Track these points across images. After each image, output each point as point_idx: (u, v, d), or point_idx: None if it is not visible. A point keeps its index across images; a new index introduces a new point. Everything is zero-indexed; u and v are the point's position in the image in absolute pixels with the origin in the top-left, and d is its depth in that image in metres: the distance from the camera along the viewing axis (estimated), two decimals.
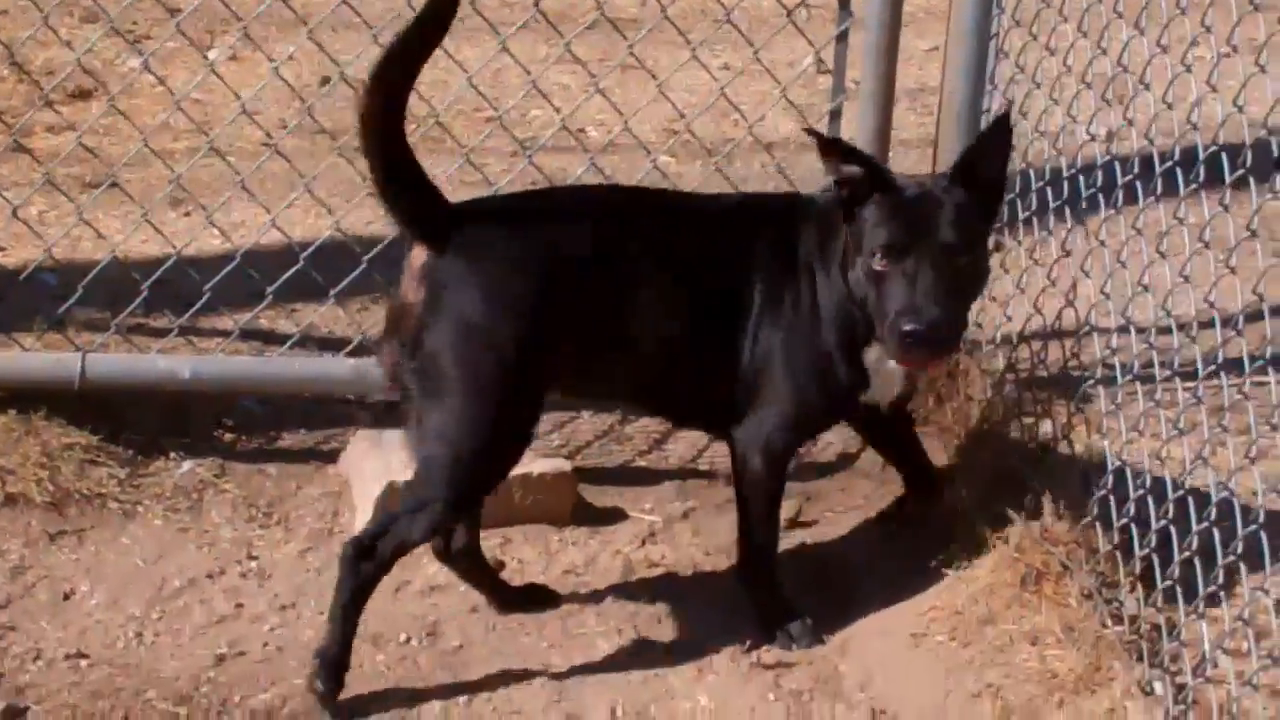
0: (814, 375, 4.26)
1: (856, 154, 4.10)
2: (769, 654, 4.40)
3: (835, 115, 5.20)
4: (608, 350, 4.19)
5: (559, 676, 4.30)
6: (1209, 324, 4.19)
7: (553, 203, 4.39)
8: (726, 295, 4.27)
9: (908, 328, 3.90)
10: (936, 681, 4.22)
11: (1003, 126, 4.07)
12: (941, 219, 3.97)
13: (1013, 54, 5.03)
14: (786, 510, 4.86)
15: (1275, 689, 3.90)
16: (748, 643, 4.40)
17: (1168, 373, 4.26)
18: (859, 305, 4.13)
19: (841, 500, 5.02)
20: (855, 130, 5.10)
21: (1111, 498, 4.28)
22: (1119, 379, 4.47)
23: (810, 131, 4.02)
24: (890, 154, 5.23)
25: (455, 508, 4.10)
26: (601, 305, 4.15)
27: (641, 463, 5.14)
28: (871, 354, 4.24)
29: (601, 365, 4.22)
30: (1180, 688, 3.91)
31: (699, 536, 4.83)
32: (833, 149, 4.08)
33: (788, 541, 4.79)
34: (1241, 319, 4.01)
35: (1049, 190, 4.95)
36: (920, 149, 6.35)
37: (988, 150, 4.06)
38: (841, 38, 5.16)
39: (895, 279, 3.96)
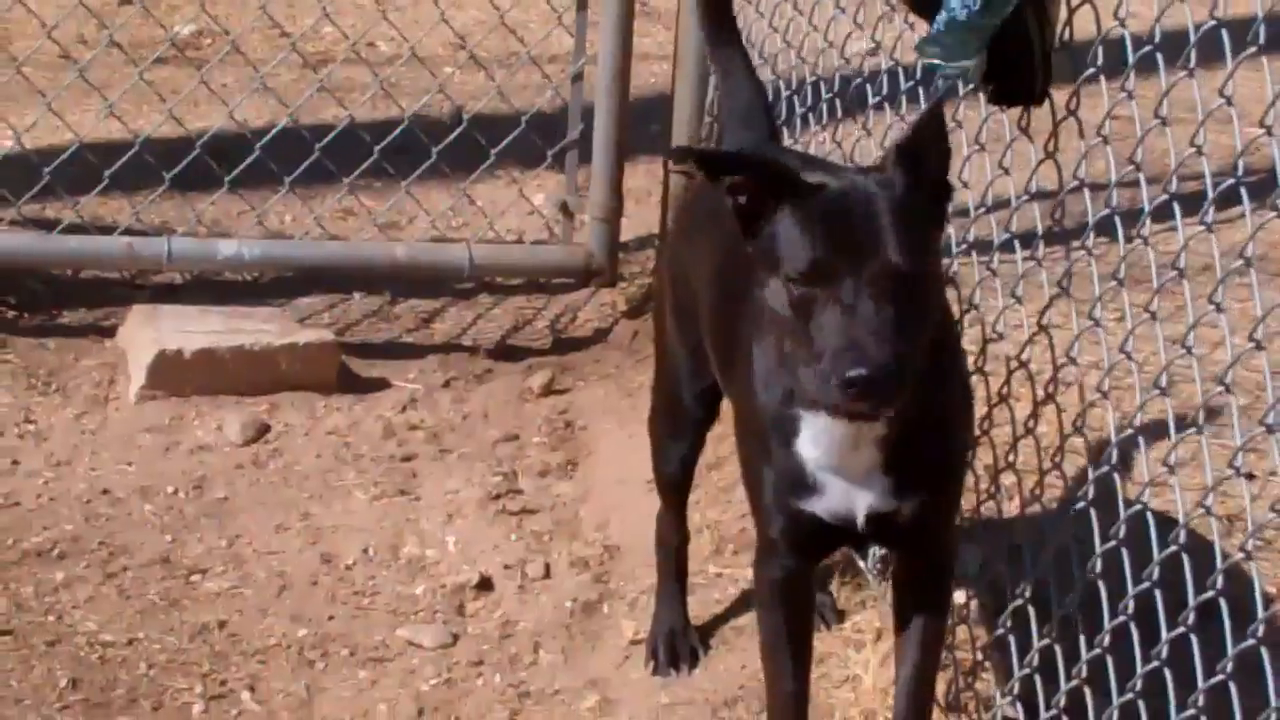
0: (759, 477, 3.30)
1: (740, 160, 3.10)
2: (514, 502, 4.73)
3: (577, 78, 5.58)
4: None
5: (317, 524, 4.62)
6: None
7: None
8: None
9: (852, 373, 2.81)
10: None
11: (937, 115, 3.01)
12: (882, 225, 2.91)
13: None
14: (539, 380, 5.23)
15: None
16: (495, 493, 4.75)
17: None
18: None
19: (595, 370, 5.37)
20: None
21: None
22: None
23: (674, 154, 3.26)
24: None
25: None
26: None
27: (408, 339, 5.46)
28: (806, 429, 3.15)
29: None
30: None
31: (458, 403, 5.15)
32: (703, 161, 3.12)
33: (540, 408, 5.15)
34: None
35: (837, 102, 4.77)
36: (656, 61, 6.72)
37: (929, 138, 2.98)
38: (582, 5, 5.55)
39: (825, 309, 2.87)
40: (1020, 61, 3.25)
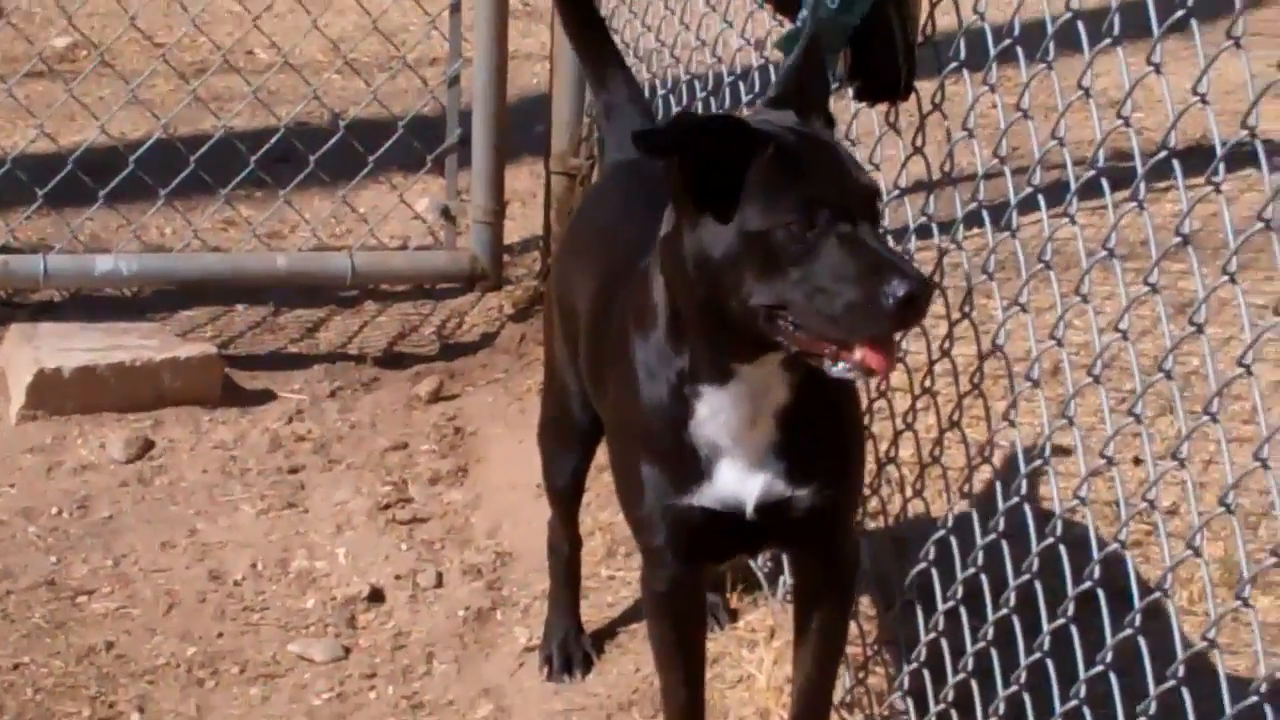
0: (638, 482, 3.23)
1: (700, 124, 2.96)
2: (404, 511, 4.70)
3: (454, 81, 5.58)
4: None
5: (204, 540, 4.58)
6: None
7: None
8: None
9: (905, 289, 2.73)
10: None
11: (815, 47, 3.08)
12: (843, 156, 2.94)
13: None
14: (427, 386, 5.21)
15: None
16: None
17: None
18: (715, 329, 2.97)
19: (483, 374, 5.35)
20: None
21: None
22: None
23: (634, 137, 2.91)
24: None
25: None
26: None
27: (293, 349, 5.42)
28: (702, 409, 3.07)
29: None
30: None
31: (345, 412, 5.12)
32: (661, 139, 2.95)
33: (429, 415, 5.12)
34: None
35: (712, 100, 4.78)
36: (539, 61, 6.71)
37: (811, 75, 3.06)
38: (455, 8, 5.55)
39: (834, 243, 2.79)
40: (884, 58, 3.25)
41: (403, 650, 4.25)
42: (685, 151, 2.87)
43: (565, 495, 4.04)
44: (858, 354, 2.81)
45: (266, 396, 5.17)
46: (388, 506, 4.71)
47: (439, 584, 4.45)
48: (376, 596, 4.40)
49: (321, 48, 6.87)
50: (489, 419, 5.12)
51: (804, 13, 3.19)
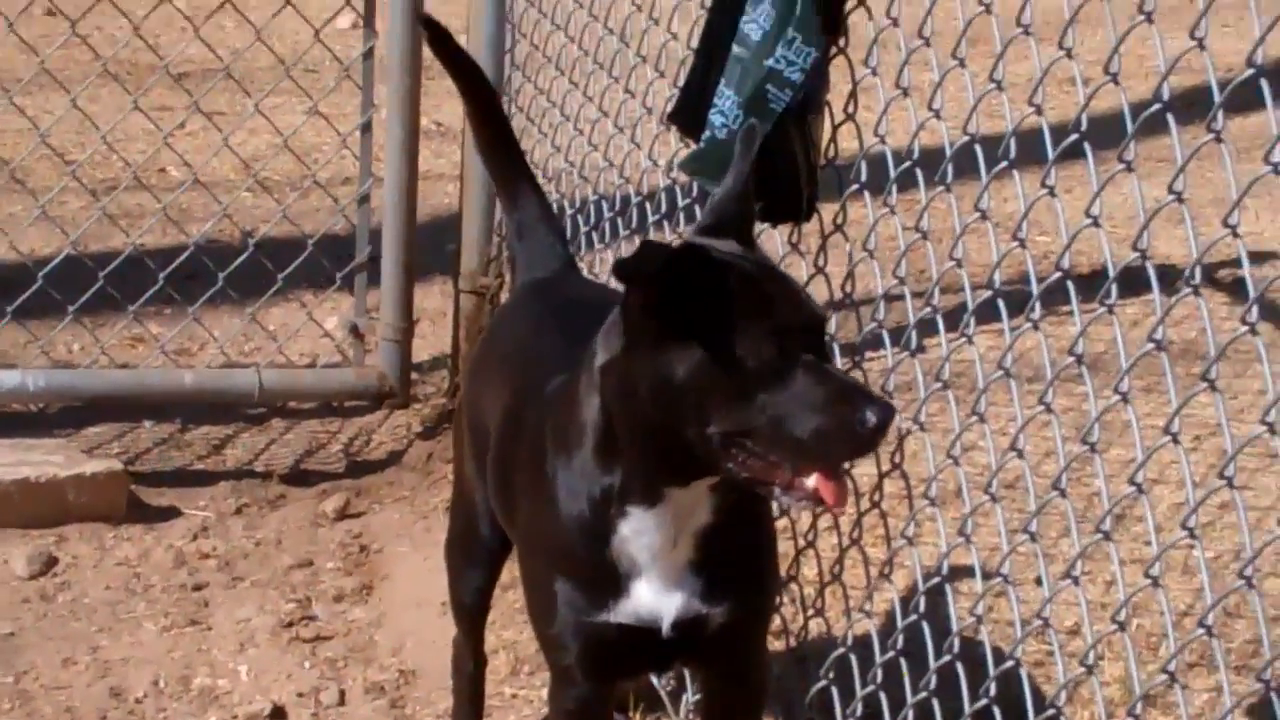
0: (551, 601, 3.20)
1: (676, 255, 2.86)
2: (308, 628, 4.68)
3: (364, 200, 5.63)
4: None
5: (106, 657, 4.54)
6: None
7: None
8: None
9: (877, 418, 2.74)
10: None
11: (745, 182, 3.07)
12: (794, 285, 2.97)
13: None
14: (333, 504, 5.20)
15: None
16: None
17: None
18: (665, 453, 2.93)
19: (390, 492, 5.35)
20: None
21: None
22: None
23: (617, 269, 2.87)
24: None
25: None
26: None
27: (199, 466, 5.41)
28: (625, 528, 3.05)
29: None
30: None
31: (250, 530, 5.10)
32: (640, 270, 2.85)
33: (335, 532, 5.12)
34: None
35: (619, 220, 4.81)
36: (451, 181, 6.77)
37: (744, 204, 3.07)
38: (366, 128, 5.60)
39: (799, 369, 2.80)
40: (786, 179, 3.30)
41: None
42: (662, 281, 2.82)
43: (471, 612, 4.02)
44: (810, 484, 2.81)
45: (172, 513, 5.15)
46: (291, 624, 4.69)
47: (341, 702, 4.42)
48: (279, 714, 4.36)
49: (233, 166, 6.89)
50: (395, 537, 5.11)
51: (708, 133, 3.24)
